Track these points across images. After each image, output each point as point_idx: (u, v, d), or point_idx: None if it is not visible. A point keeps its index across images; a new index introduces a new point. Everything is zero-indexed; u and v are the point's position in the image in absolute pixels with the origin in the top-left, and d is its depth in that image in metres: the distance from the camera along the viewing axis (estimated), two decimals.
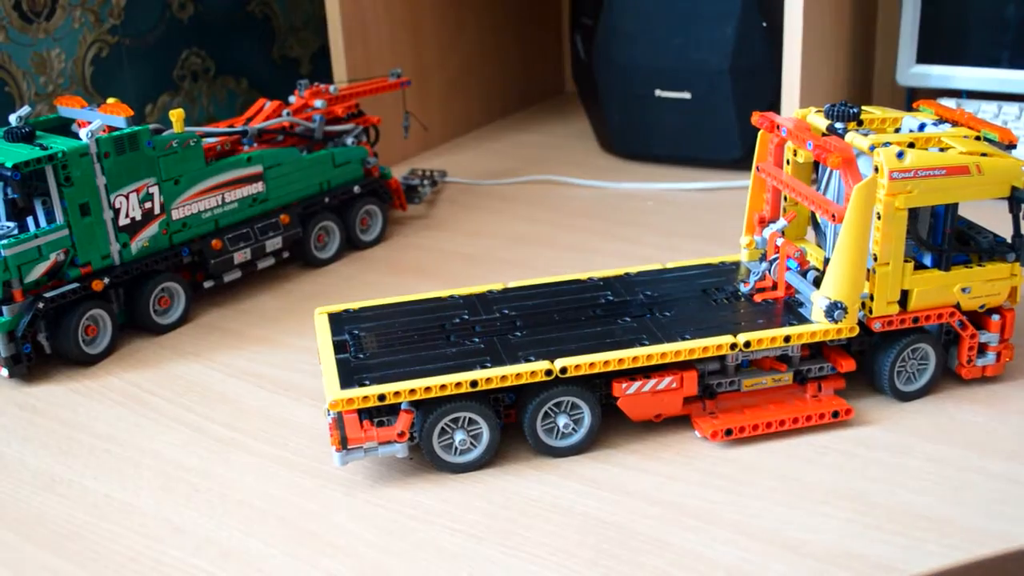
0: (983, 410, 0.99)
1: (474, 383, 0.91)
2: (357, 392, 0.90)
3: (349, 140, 1.47)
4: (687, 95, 1.66)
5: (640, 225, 1.50)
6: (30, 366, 1.13)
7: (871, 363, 1.02)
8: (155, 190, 1.20)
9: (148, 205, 1.20)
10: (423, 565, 0.82)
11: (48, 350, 1.15)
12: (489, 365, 0.93)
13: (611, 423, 0.98)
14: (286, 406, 1.06)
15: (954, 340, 1.03)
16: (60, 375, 1.15)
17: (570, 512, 0.88)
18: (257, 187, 1.32)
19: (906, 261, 0.97)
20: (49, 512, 0.91)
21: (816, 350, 1.01)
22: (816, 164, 1.06)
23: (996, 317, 1.01)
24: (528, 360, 0.93)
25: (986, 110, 1.58)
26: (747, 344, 0.95)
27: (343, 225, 1.43)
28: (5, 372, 1.12)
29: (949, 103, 1.61)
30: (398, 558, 0.83)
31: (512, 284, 1.09)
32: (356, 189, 1.44)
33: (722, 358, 0.98)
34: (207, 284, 1.29)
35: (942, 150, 0.97)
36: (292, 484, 0.94)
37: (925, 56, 1.63)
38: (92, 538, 0.87)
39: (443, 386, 0.90)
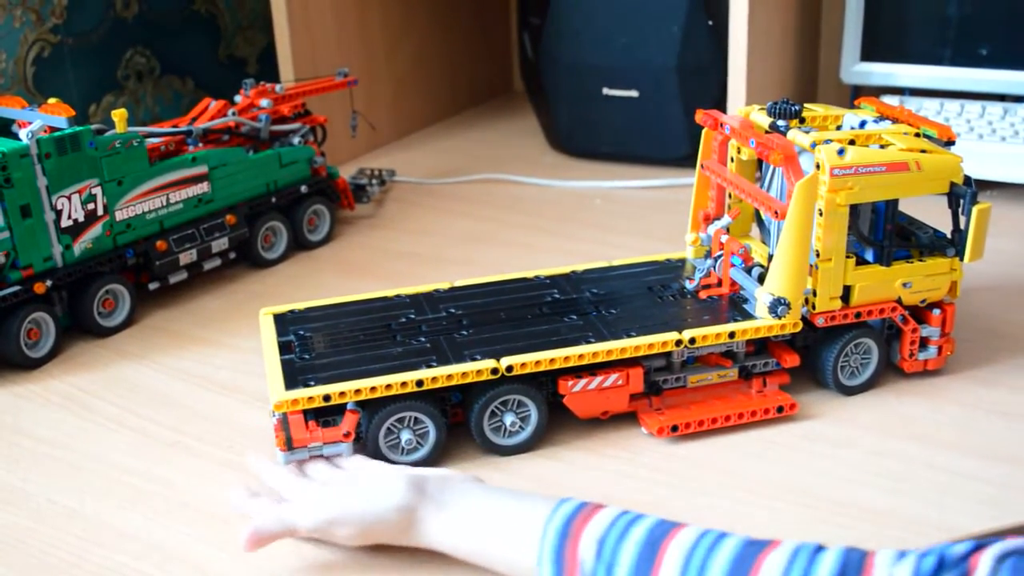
0: (925, 403, 1.01)
1: (420, 382, 0.91)
2: (302, 393, 0.90)
3: (296, 140, 1.46)
4: (634, 93, 1.67)
5: (588, 223, 1.51)
6: None
7: (815, 358, 1.02)
8: (98, 191, 1.19)
9: (91, 206, 1.18)
10: (366, 564, 0.82)
11: None
12: (435, 364, 0.93)
13: (559, 421, 0.98)
14: (232, 408, 1.06)
15: (896, 335, 1.04)
16: (1, 379, 1.13)
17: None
18: (202, 187, 1.31)
19: (848, 257, 0.98)
20: None
21: (761, 346, 1.02)
22: (760, 161, 1.07)
23: (937, 312, 1.02)
24: (474, 359, 0.93)
25: (928, 107, 1.60)
26: (692, 340, 0.96)
27: (290, 225, 1.42)
28: None
29: (892, 100, 1.63)
30: (346, 557, 0.83)
31: (458, 283, 1.09)
32: (303, 189, 1.43)
33: (668, 354, 0.98)
34: (152, 286, 1.27)
35: (882, 147, 0.98)
36: (236, 484, 0.92)
37: (869, 54, 1.65)
38: (35, 544, 0.86)
39: (388, 386, 0.90)
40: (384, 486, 0.80)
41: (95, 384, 1.12)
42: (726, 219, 1.07)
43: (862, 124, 1.03)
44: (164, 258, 1.26)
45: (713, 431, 0.97)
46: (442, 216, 1.57)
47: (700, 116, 1.06)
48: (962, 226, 0.99)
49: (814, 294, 0.98)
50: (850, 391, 1.02)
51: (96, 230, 1.19)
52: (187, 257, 1.29)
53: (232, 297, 1.32)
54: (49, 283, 1.15)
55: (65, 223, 1.16)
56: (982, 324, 1.14)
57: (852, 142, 0.97)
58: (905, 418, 0.99)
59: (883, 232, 0.99)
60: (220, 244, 1.32)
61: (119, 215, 1.21)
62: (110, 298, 1.22)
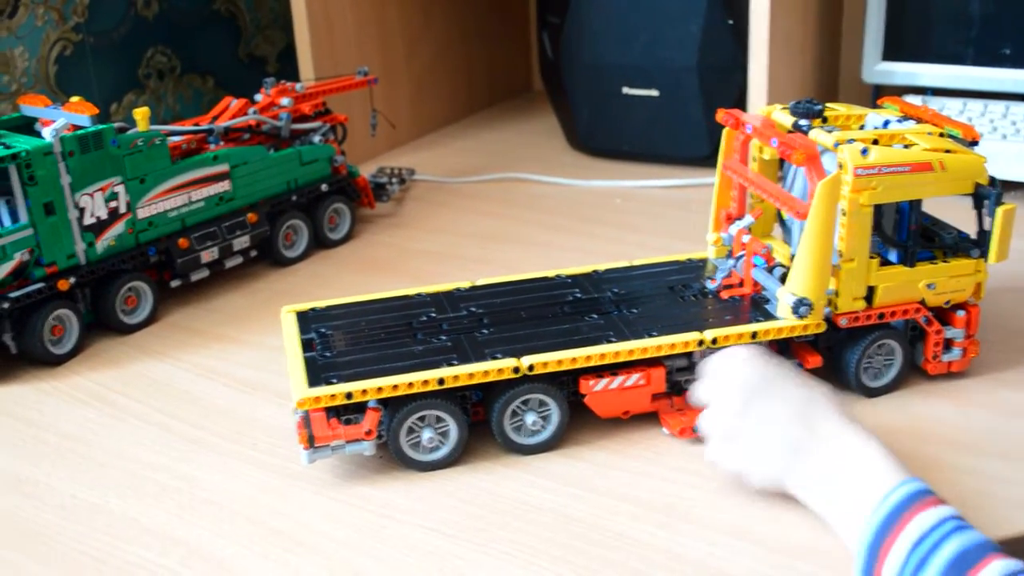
0: (950, 405, 1.00)
1: (441, 381, 0.91)
2: (324, 391, 0.90)
3: (316, 138, 1.46)
4: (654, 93, 1.67)
5: (608, 222, 1.51)
6: None
7: (838, 359, 1.02)
8: (120, 189, 1.19)
9: (113, 204, 1.19)
10: (393, 563, 0.83)
11: (14, 350, 1.14)
12: (456, 363, 0.93)
13: (580, 420, 0.98)
14: (254, 405, 1.06)
15: (920, 336, 1.03)
16: (26, 375, 1.14)
17: (540, 509, 0.88)
18: (224, 186, 1.31)
19: (872, 257, 0.98)
20: (16, 513, 0.91)
21: (783, 346, 1.01)
22: (782, 161, 1.07)
23: (961, 313, 1.02)
24: (495, 358, 0.94)
25: (950, 107, 1.60)
26: (714, 340, 0.96)
27: (311, 223, 1.43)
28: None
29: (914, 100, 1.62)
30: (368, 556, 0.83)
31: (480, 282, 1.09)
32: (324, 187, 1.44)
33: (689, 355, 0.98)
34: (174, 283, 1.28)
35: (906, 147, 0.97)
36: (260, 483, 0.93)
37: (890, 53, 1.64)
38: (59, 539, 0.87)
39: (410, 384, 0.91)
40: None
41: (118, 381, 1.12)
42: (748, 219, 1.07)
43: (885, 124, 1.03)
44: (186, 256, 1.27)
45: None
46: (462, 215, 1.57)
47: (722, 115, 1.06)
48: (987, 227, 0.99)
49: (837, 295, 0.98)
50: (873, 393, 1.02)
51: (119, 228, 1.20)
52: (209, 255, 1.30)
53: (253, 295, 1.32)
54: (72, 280, 1.16)
55: (88, 221, 1.17)
56: (1007, 326, 1.13)
57: (875, 142, 0.97)
58: (930, 420, 0.98)
59: (907, 233, 0.99)
60: (241, 242, 1.33)
61: (141, 213, 1.22)
62: (133, 295, 1.23)
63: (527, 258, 1.39)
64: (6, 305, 1.10)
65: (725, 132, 1.09)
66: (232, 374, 1.13)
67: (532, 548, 0.83)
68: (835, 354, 1.02)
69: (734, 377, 0.87)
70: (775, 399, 0.85)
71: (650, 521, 0.86)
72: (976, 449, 0.93)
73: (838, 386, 1.03)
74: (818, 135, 0.98)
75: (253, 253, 1.36)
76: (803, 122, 1.01)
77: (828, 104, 1.07)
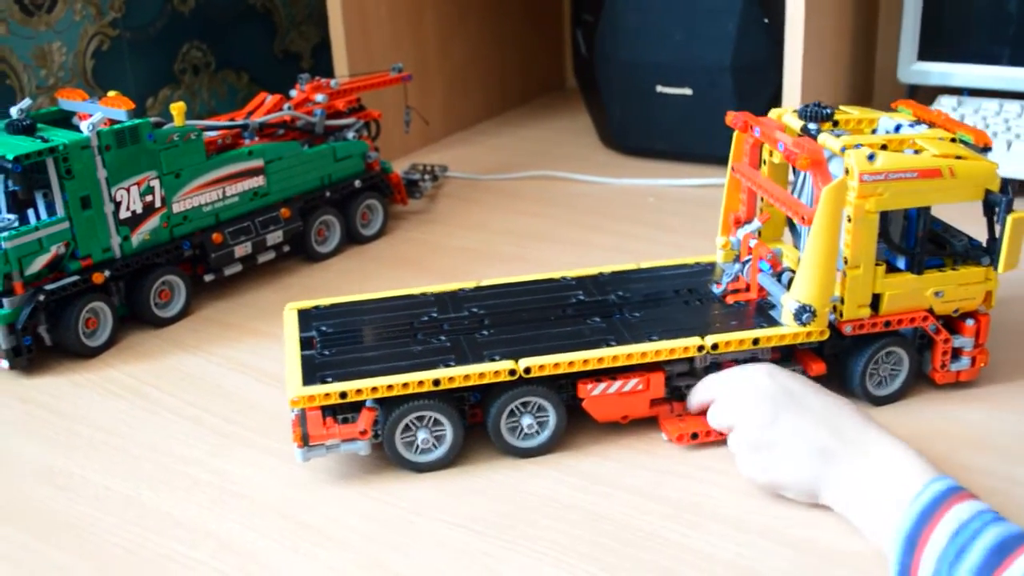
0: (957, 415, 0.99)
1: (436, 382, 0.91)
2: (319, 389, 0.90)
3: (350, 134, 1.47)
4: (688, 91, 1.66)
5: (642, 221, 1.51)
6: (30, 358, 1.13)
7: (843, 367, 1.01)
8: (156, 183, 1.20)
9: (149, 198, 1.20)
10: (421, 559, 0.83)
11: (48, 342, 1.15)
12: (453, 364, 0.93)
13: (578, 424, 0.97)
14: (284, 400, 1.06)
15: (928, 344, 1.02)
16: (60, 367, 1.15)
17: (569, 507, 0.88)
18: (258, 181, 1.32)
19: (878, 264, 0.96)
20: (49, 504, 0.92)
21: (787, 353, 1.00)
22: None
23: (971, 322, 1.00)
24: (493, 359, 0.93)
25: (987, 108, 1.58)
26: (715, 346, 0.95)
27: (344, 219, 1.43)
28: (6, 364, 1.12)
29: (950, 101, 1.61)
30: (397, 552, 0.84)
31: (485, 282, 1.09)
32: (357, 183, 1.44)
33: (690, 360, 0.97)
34: (207, 277, 1.29)
35: (916, 152, 0.95)
36: (290, 478, 0.94)
37: (926, 53, 1.63)
38: (93, 530, 0.88)
39: (405, 384, 0.90)
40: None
41: (151, 374, 1.13)
42: (756, 223, 1.06)
43: (897, 128, 1.02)
44: (220, 250, 1.28)
45: None
46: (494, 212, 1.57)
47: (730, 118, 1.05)
48: (997, 235, 0.97)
49: (842, 302, 0.97)
50: (879, 401, 1.01)
51: (154, 222, 1.21)
52: (242, 250, 1.30)
53: (286, 290, 1.33)
54: (107, 273, 1.17)
55: (124, 214, 1.18)
56: (1018, 335, 1.12)
57: (884, 147, 0.95)
58: (936, 430, 0.96)
59: (915, 239, 0.97)
60: (275, 237, 1.34)
61: (176, 207, 1.23)
62: (166, 289, 1.24)
63: (559, 256, 1.39)
64: (41, 297, 1.11)
65: (735, 135, 1.08)
66: (264, 368, 1.13)
67: (561, 546, 0.83)
68: (840, 362, 1.01)
69: (760, 391, 0.87)
70: (802, 409, 0.85)
71: (680, 520, 0.86)
72: (987, 455, 0.92)
73: (843, 394, 1.02)
74: (826, 139, 0.97)
75: (286, 248, 1.37)
76: (812, 126, 1.00)
77: (841, 107, 1.06)
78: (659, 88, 1.68)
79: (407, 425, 0.92)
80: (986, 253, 0.99)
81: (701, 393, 0.95)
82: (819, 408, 0.85)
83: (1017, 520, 0.72)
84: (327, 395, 0.90)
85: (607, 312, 1.02)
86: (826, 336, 0.97)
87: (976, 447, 0.94)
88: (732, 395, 0.90)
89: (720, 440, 0.94)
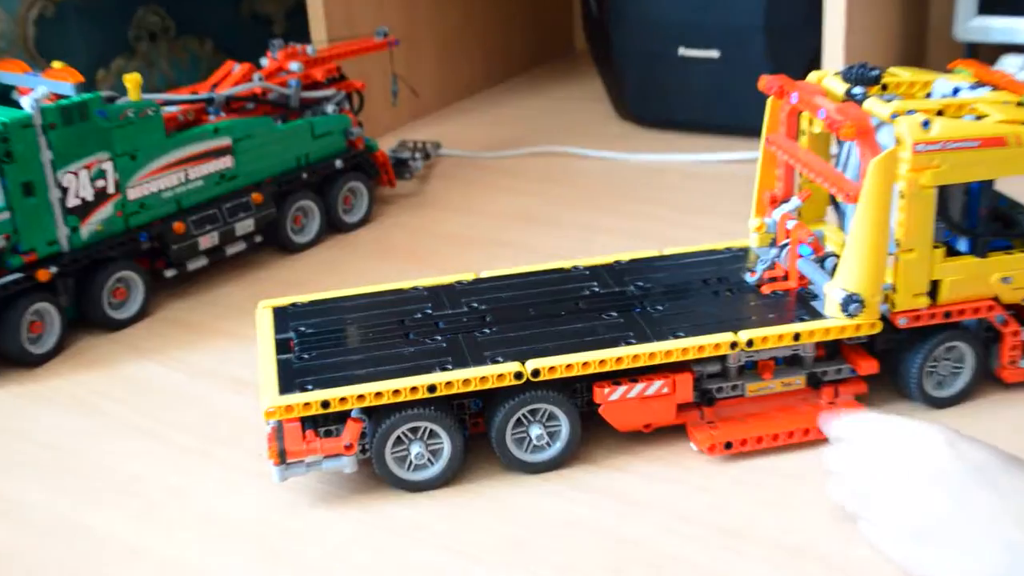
0: None
1: (432, 388, 0.90)
2: (298, 398, 0.89)
3: (330, 108, 1.46)
4: (715, 54, 1.66)
5: (661, 203, 1.50)
6: None
7: (897, 364, 1.00)
8: (108, 166, 1.20)
9: (101, 183, 1.19)
10: None
11: None
12: (451, 367, 0.92)
13: (594, 434, 0.97)
14: (254, 410, 1.05)
15: (995, 338, 1.01)
16: (1, 378, 1.15)
17: (585, 528, 0.88)
18: (225, 162, 1.32)
19: (936, 247, 0.96)
20: None
21: (832, 350, 1.00)
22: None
23: None
24: (496, 361, 0.93)
25: None
26: (750, 343, 0.94)
27: (324, 205, 1.43)
28: None
29: (1015, 60, 1.60)
30: None
31: (484, 274, 1.09)
32: (338, 164, 1.44)
33: (722, 359, 0.97)
34: (168, 273, 1.28)
35: (978, 118, 0.95)
36: (266, 499, 0.93)
37: (988, 7, 1.62)
38: (37, 563, 0.87)
39: (396, 391, 0.90)
40: None
41: (104, 384, 1.13)
42: (795, 202, 1.05)
43: (955, 91, 1.01)
44: (182, 242, 1.27)
45: (774, 449, 0.95)
46: (495, 194, 1.57)
47: (764, 82, 1.04)
48: None
49: (894, 290, 0.96)
50: (939, 403, 1.00)
51: (106, 210, 1.21)
52: (208, 241, 1.30)
53: (258, 286, 1.32)
54: (54, 270, 1.16)
55: (72, 202, 1.17)
56: None
57: (940, 112, 0.94)
58: (1005, 436, 0.91)
59: (977, 218, 0.97)
60: (245, 226, 1.33)
61: (132, 193, 1.23)
62: (121, 287, 1.23)
63: (568, 243, 1.38)
64: None
65: (769, 102, 1.07)
66: (233, 375, 1.13)
67: (578, 572, 0.83)
68: (894, 359, 1.01)
69: (938, 465, 0.81)
70: (993, 492, 0.79)
71: (714, 544, 0.85)
72: None
73: (898, 395, 1.02)
74: (873, 105, 0.96)
75: (258, 239, 1.37)
76: (857, 90, 0.99)
77: (890, 69, 1.05)
78: (681, 51, 1.68)
79: (399, 438, 0.92)
80: None
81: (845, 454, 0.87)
82: (1010, 491, 0.78)
83: None
84: (307, 405, 0.89)
85: (626, 305, 1.01)
86: (877, 330, 0.96)
87: None
88: (893, 464, 0.83)
89: (759, 450, 0.94)
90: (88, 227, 1.19)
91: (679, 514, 0.88)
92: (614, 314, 1.00)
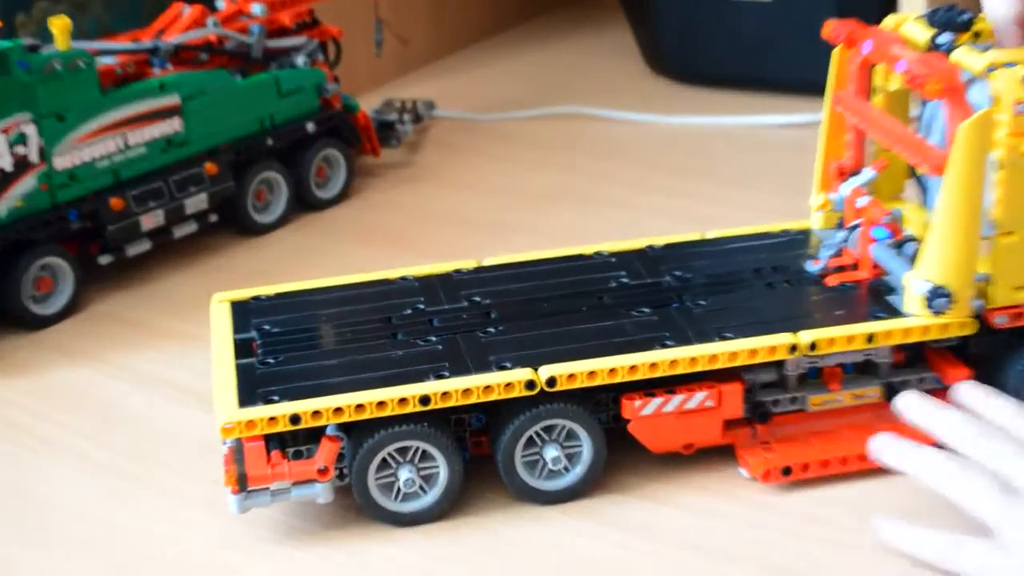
0: None
1: (425, 399, 0.90)
2: (261, 412, 0.89)
3: (300, 60, 1.46)
4: None
5: (703, 175, 1.51)
6: None
7: (994, 373, 1.00)
8: (31, 130, 1.20)
9: (21, 150, 1.19)
10: None
11: None
12: (447, 375, 0.92)
13: (622, 456, 0.97)
14: (211, 427, 1.05)
15: None
16: None
17: (610, 572, 0.87)
18: (173, 125, 1.32)
19: None
20: None
21: (914, 354, 1.00)
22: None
23: None
24: (503, 368, 0.93)
25: None
26: (813, 346, 0.94)
27: (292, 177, 1.44)
28: None
29: None
30: None
31: (488, 261, 1.09)
32: (310, 127, 1.44)
33: (779, 365, 0.97)
34: (104, 259, 1.29)
35: None
36: (222, 535, 0.93)
37: None
38: None
39: (382, 403, 0.89)
40: None
41: (27, 394, 1.13)
42: (867, 174, 1.06)
43: None
44: (120, 221, 1.27)
45: (842, 476, 0.95)
46: (499, 165, 1.58)
47: (830, 29, 1.05)
48: None
49: (991, 282, 0.96)
50: None
51: (28, 183, 1.21)
52: (151, 220, 1.30)
53: (212, 276, 1.33)
54: None
55: None
56: None
57: None
58: None
59: None
60: (197, 202, 1.34)
61: (60, 163, 1.23)
62: (47, 276, 1.23)
63: (589, 225, 1.39)
64: None
65: (836, 53, 1.08)
66: (182, 384, 1.13)
67: None
68: (990, 365, 1.00)
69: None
70: None
71: None
72: None
73: None
74: (964, 56, 0.95)
75: (213, 218, 1.37)
76: (943, 38, 0.99)
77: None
78: None
79: (384, 460, 0.92)
80: None
81: None
82: None
83: None
84: (273, 420, 0.89)
85: (661, 300, 1.02)
86: (969, 330, 0.96)
87: None
88: None
89: (825, 477, 0.93)
90: (6, 203, 1.19)
91: (727, 555, 0.88)
92: (647, 310, 1.00)
